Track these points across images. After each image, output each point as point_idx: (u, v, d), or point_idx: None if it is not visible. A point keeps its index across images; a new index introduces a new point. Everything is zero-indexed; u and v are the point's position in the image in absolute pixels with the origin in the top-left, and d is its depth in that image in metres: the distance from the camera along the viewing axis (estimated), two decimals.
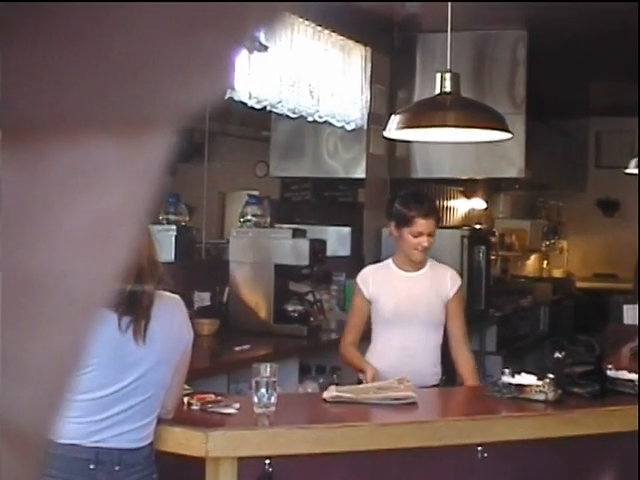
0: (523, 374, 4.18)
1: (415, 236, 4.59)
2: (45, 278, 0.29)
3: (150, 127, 0.30)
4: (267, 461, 3.45)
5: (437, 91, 5.84)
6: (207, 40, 0.28)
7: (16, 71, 0.26)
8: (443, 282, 4.69)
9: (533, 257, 13.59)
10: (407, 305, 4.63)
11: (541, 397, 4.01)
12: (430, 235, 4.61)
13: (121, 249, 0.31)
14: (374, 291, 4.69)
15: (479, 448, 3.73)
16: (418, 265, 4.69)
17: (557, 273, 13.53)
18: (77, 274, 0.29)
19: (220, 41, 0.29)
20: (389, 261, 4.79)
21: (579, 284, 12.78)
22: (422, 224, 4.60)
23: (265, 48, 6.28)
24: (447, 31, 6.01)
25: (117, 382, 3.20)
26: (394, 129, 5.86)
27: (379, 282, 4.70)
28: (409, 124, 5.82)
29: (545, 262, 13.79)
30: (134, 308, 3.21)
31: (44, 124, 0.28)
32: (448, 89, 5.78)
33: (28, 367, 0.29)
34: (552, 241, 13.55)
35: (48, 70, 0.26)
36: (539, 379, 4.09)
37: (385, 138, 6.71)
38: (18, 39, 0.26)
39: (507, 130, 5.83)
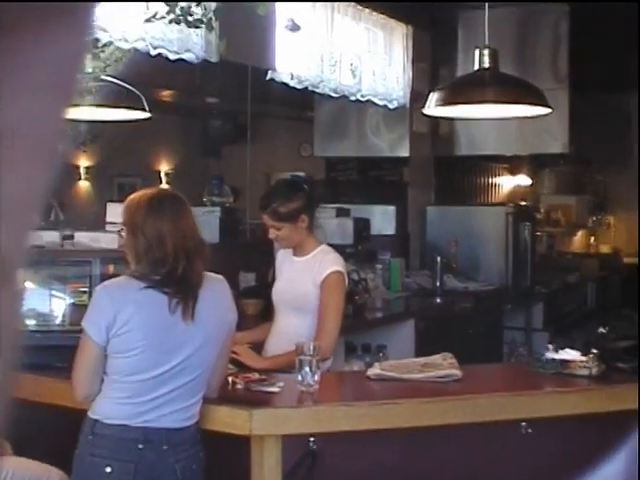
0: (567, 349, 4.17)
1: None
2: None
3: None
4: (311, 439, 3.48)
5: (476, 67, 5.84)
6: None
7: None
8: (317, 267, 4.39)
9: (579, 233, 13.49)
10: (283, 289, 4.50)
11: (585, 372, 4.00)
12: (276, 229, 4.38)
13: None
14: (276, 272, 4.65)
15: (523, 424, 3.74)
16: (304, 250, 4.46)
17: (604, 249, 13.42)
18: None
19: None
20: None
21: (626, 260, 12.67)
22: (264, 218, 4.45)
23: (298, 28, 6.28)
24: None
25: (166, 363, 3.25)
26: (433, 106, 5.87)
27: (278, 264, 4.63)
28: (448, 101, 5.82)
29: (592, 238, 13.69)
30: (183, 288, 3.25)
31: None
32: (487, 65, 5.77)
33: None
34: (599, 217, 13.45)
35: None
36: (583, 354, 4.09)
37: (425, 115, 6.71)
38: None
39: (547, 105, 5.81)
